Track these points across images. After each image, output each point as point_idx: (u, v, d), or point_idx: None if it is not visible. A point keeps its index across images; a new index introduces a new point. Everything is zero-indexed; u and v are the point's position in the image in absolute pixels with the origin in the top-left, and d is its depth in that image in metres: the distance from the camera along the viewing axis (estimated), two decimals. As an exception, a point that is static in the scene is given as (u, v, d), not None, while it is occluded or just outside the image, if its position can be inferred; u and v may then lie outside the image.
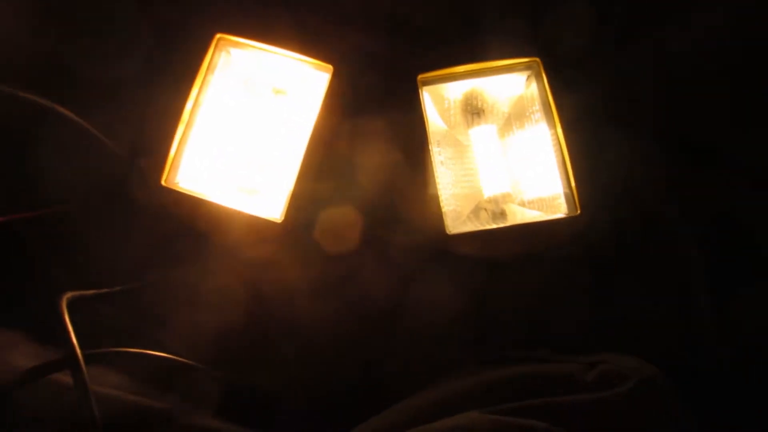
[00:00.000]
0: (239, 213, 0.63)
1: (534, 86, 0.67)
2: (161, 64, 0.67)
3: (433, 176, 0.63)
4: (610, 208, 0.62)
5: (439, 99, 0.69)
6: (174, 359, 0.47)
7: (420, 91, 0.66)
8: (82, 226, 0.64)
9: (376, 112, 0.67)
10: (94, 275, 0.72)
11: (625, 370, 0.47)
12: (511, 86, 0.69)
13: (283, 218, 0.63)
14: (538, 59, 0.66)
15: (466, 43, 0.70)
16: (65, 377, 0.43)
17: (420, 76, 0.67)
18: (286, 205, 0.63)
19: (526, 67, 0.67)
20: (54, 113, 0.57)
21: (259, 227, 0.64)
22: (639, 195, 0.67)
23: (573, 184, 0.62)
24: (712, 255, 0.63)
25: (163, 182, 0.64)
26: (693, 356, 0.58)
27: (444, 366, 0.57)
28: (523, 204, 0.66)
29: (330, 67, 0.65)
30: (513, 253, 0.62)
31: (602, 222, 0.61)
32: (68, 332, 0.42)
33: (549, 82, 0.65)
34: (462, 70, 0.68)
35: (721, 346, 0.59)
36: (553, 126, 0.65)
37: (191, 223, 0.64)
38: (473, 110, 0.69)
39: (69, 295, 0.49)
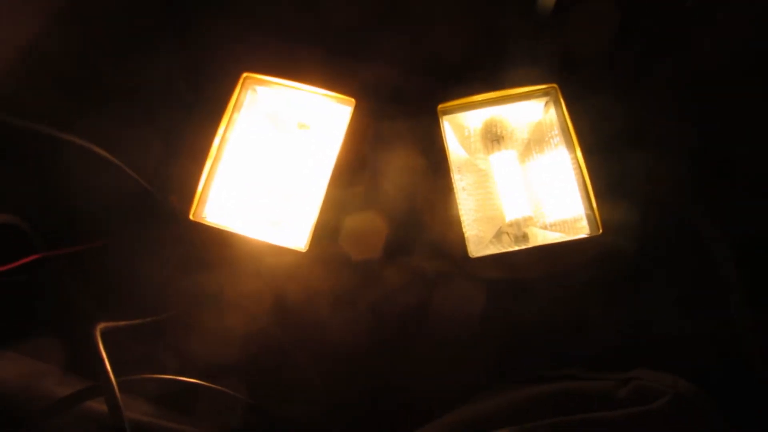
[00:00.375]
0: (265, 244, 0.64)
1: (552, 112, 0.68)
2: (190, 103, 0.70)
3: (455, 202, 0.64)
4: (636, 226, 0.61)
5: (459, 128, 0.70)
6: (202, 384, 0.47)
7: (440, 120, 0.68)
8: (114, 259, 0.65)
9: (398, 142, 0.68)
10: (123, 307, 0.74)
11: (660, 386, 0.46)
12: (530, 113, 0.70)
13: (307, 248, 0.64)
14: (555, 85, 0.67)
15: (483, 72, 0.71)
16: (98, 405, 0.44)
17: (440, 106, 0.68)
18: (311, 235, 0.64)
19: (544, 93, 0.69)
20: (88, 152, 0.59)
21: (284, 257, 0.65)
22: (666, 211, 0.66)
23: (594, 204, 0.63)
24: (748, 270, 0.62)
25: (191, 216, 0.66)
26: (731, 373, 0.57)
27: (472, 386, 0.56)
28: (545, 227, 0.66)
29: (352, 100, 0.67)
30: (536, 274, 0.61)
31: (628, 240, 0.60)
32: (103, 360, 0.43)
33: (567, 107, 0.66)
34: (481, 99, 0.69)
35: (762, 363, 0.57)
36: (572, 149, 0.65)
37: (219, 254, 0.66)
38: (493, 137, 0.70)
39: (102, 325, 0.50)
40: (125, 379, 0.44)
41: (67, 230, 0.67)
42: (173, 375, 0.47)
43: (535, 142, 0.69)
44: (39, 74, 0.67)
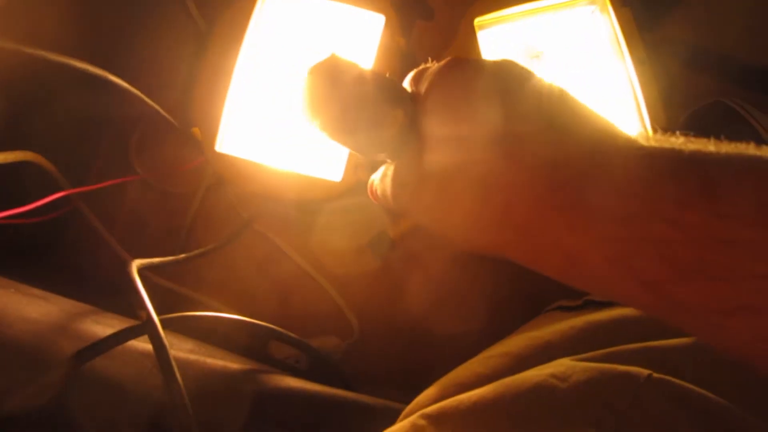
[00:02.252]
0: (297, 175, 0.61)
1: (599, 21, 0.62)
2: (207, 28, 0.65)
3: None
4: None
5: (497, 43, 0.65)
6: (248, 321, 0.45)
7: (476, 35, 0.63)
8: (142, 199, 0.63)
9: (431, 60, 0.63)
10: (151, 248, 0.73)
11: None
12: (573, 24, 0.64)
13: (342, 178, 0.61)
14: (603, -8, 0.62)
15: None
16: (141, 343, 0.42)
17: (476, 20, 0.63)
18: (346, 164, 0.61)
19: (590, 1, 0.63)
20: (109, 83, 0.55)
21: (318, 188, 0.62)
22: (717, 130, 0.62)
23: (646, 122, 0.58)
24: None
25: (216, 148, 0.63)
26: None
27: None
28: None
29: (382, 15, 0.62)
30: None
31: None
32: (142, 298, 0.40)
33: (618, 17, 0.61)
34: (520, 11, 0.64)
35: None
36: (622, 63, 0.60)
37: (249, 188, 0.63)
38: (532, 52, 0.65)
39: (138, 262, 0.48)
40: (169, 317, 0.42)
41: (88, 168, 0.65)
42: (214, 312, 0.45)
43: (579, 56, 0.64)
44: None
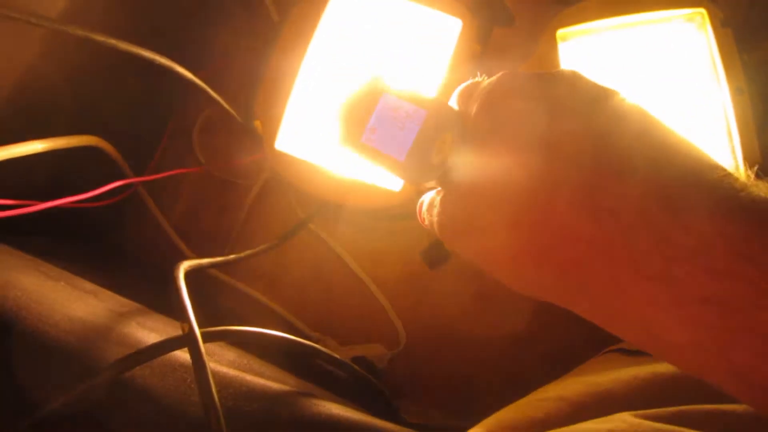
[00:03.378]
0: (355, 182, 0.59)
1: (697, 42, 0.57)
2: (278, 20, 0.63)
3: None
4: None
5: (580, 55, 0.61)
6: (291, 340, 0.44)
7: (557, 47, 0.59)
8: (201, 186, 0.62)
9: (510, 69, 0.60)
10: (207, 242, 0.72)
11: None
12: (666, 41, 0.59)
13: (402, 188, 0.58)
14: (703, 10, 0.56)
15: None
16: (182, 354, 0.41)
17: (559, 31, 0.59)
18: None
19: (687, 19, 0.58)
20: (172, 72, 0.54)
21: (376, 197, 0.60)
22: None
23: (740, 158, 0.53)
24: None
25: (276, 146, 0.61)
26: None
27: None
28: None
29: (459, 20, 0.59)
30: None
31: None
32: (185, 308, 0.39)
33: (717, 38, 0.55)
34: (606, 24, 0.59)
35: None
36: (719, 88, 0.55)
37: (305, 189, 0.61)
38: (617, 68, 0.60)
39: (187, 265, 0.47)
40: (209, 332, 0.41)
41: (150, 154, 0.65)
42: (261, 327, 0.44)
43: (670, 77, 0.59)
44: None
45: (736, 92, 0.54)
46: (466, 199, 0.30)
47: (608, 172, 0.25)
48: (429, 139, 0.30)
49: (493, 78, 0.30)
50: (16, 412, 0.35)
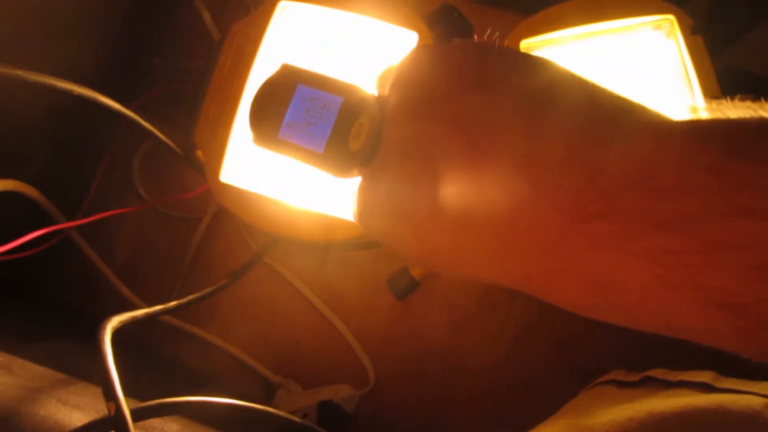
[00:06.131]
0: (311, 213, 0.54)
1: (667, 50, 0.54)
2: (218, 40, 0.58)
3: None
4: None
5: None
6: (244, 406, 0.39)
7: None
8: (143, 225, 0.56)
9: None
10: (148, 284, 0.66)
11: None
12: (634, 51, 0.56)
13: (361, 219, 0.53)
14: (672, 17, 0.53)
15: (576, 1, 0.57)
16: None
17: (522, 42, 0.55)
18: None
19: (655, 27, 0.55)
20: (101, 106, 0.48)
21: (334, 228, 0.55)
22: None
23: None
24: None
25: (221, 178, 0.56)
26: None
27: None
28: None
29: (414, 33, 0.54)
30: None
31: None
32: (111, 382, 0.34)
33: (688, 45, 0.52)
34: (572, 34, 0.56)
35: None
36: (692, 97, 0.52)
37: (256, 224, 0.56)
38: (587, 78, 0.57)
39: (115, 322, 0.41)
40: (142, 408, 0.35)
41: (84, 195, 0.59)
42: (208, 392, 0.38)
43: (639, 85, 0.56)
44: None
45: (712, 101, 0.51)
46: (376, 178, 0.28)
47: (526, 119, 0.23)
48: (347, 126, 0.28)
49: (406, 54, 0.29)
50: None
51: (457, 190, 0.24)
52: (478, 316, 0.67)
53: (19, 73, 0.41)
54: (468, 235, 0.24)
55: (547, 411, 0.48)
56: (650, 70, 0.55)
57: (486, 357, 0.66)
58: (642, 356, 0.52)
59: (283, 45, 0.57)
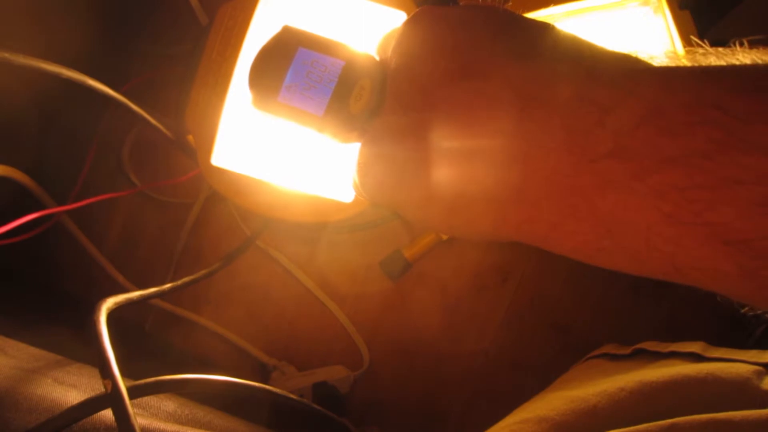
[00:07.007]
0: (303, 195, 0.54)
1: (655, 26, 0.54)
2: (205, 26, 0.58)
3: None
4: None
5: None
6: (240, 384, 0.39)
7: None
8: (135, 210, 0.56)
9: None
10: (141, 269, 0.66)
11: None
12: (622, 27, 0.56)
13: (353, 199, 0.54)
14: (659, -9, 0.53)
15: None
16: (109, 413, 0.35)
17: (511, 21, 0.55)
18: (357, 183, 0.53)
19: (642, 3, 0.55)
20: (91, 89, 0.48)
21: (326, 209, 0.55)
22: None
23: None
24: None
25: (212, 161, 0.56)
26: None
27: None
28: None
29: (403, 12, 0.54)
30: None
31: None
32: (107, 360, 0.34)
33: (676, 21, 0.52)
34: (560, 12, 0.56)
35: None
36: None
37: (248, 207, 0.56)
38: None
39: (110, 303, 0.41)
40: (139, 385, 0.36)
41: (75, 180, 0.58)
42: (203, 373, 0.38)
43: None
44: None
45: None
46: (377, 140, 0.28)
47: (534, 68, 0.23)
48: (347, 89, 0.28)
49: (408, 18, 0.29)
50: None
51: (458, 144, 0.24)
52: (470, 297, 0.68)
53: (6, 55, 0.41)
54: (470, 184, 0.24)
55: (541, 388, 0.49)
56: (638, 46, 0.55)
57: (479, 337, 0.67)
58: (633, 335, 0.53)
59: (271, 27, 0.57)
